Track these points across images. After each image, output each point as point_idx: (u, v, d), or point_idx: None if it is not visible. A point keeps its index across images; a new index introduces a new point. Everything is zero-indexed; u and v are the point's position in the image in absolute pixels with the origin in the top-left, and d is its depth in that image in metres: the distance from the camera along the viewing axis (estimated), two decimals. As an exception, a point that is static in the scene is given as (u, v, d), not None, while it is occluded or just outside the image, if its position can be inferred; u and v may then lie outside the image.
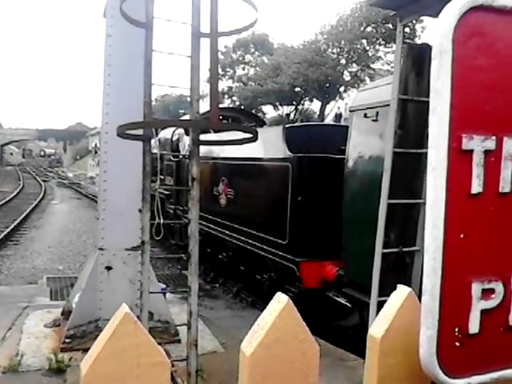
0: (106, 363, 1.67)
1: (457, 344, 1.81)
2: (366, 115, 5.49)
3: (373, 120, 5.35)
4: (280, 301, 1.91)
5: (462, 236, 1.78)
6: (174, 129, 11.53)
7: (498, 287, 1.86)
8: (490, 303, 1.85)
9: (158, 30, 3.46)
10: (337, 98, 32.08)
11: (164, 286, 6.67)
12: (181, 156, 11.03)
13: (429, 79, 3.38)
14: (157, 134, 11.41)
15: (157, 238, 7.65)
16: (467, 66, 1.74)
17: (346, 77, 30.67)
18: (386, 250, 3.32)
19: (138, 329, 1.73)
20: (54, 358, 4.59)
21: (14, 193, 26.80)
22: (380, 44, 28.50)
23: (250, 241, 7.66)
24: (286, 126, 7.43)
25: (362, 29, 27.66)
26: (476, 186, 1.78)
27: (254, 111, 33.44)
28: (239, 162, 8.19)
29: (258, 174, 7.68)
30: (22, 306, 6.35)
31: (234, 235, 8.27)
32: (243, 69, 38.11)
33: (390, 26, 25.55)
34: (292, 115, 34.00)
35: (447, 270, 1.75)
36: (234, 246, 8.57)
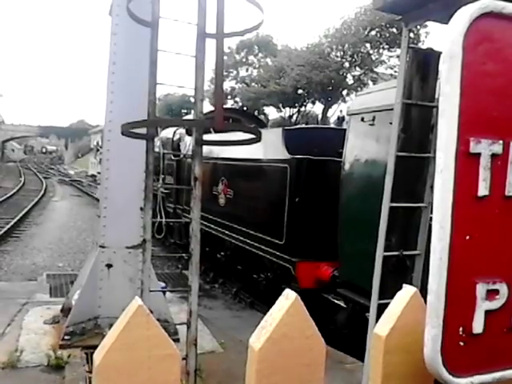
0: (118, 354, 1.70)
1: (461, 343, 1.82)
2: (363, 119, 5.62)
3: (369, 124, 5.47)
4: (288, 297, 1.93)
5: (467, 237, 1.80)
6: (175, 128, 11.59)
7: (503, 288, 1.88)
8: (495, 304, 1.87)
9: (164, 29, 3.48)
10: (339, 101, 32.13)
11: (164, 284, 6.68)
12: (182, 155, 11.11)
13: (433, 84, 3.40)
14: (158, 134, 11.46)
15: (158, 237, 7.67)
16: (476, 72, 1.76)
17: (349, 80, 30.72)
18: (387, 253, 3.32)
19: (150, 321, 1.76)
20: (53, 354, 4.60)
21: (15, 189, 26.83)
22: (384, 48, 28.55)
23: (249, 241, 7.75)
24: (286, 128, 7.61)
25: (365, 33, 27.72)
26: (483, 189, 1.80)
27: (256, 112, 33.53)
28: (239, 162, 8.29)
29: (257, 174, 7.79)
30: (22, 303, 6.36)
31: (233, 235, 8.37)
32: (246, 70, 38.20)
33: (394, 30, 25.62)
34: (294, 117, 34.04)
35: (453, 271, 1.77)
36: (232, 246, 8.66)
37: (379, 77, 28.24)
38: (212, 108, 10.09)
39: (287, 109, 34.27)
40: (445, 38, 1.76)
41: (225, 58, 34.17)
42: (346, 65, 29.94)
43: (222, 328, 6.09)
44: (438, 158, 1.77)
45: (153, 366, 1.76)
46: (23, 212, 17.47)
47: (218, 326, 6.15)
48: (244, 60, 38.02)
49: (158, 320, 1.81)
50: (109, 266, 5.22)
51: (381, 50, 28.85)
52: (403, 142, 3.33)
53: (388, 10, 3.51)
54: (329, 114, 32.54)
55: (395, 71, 26.70)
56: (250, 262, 8.09)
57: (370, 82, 29.06)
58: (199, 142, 3.33)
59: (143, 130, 3.55)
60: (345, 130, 6.31)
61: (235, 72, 37.74)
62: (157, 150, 9.49)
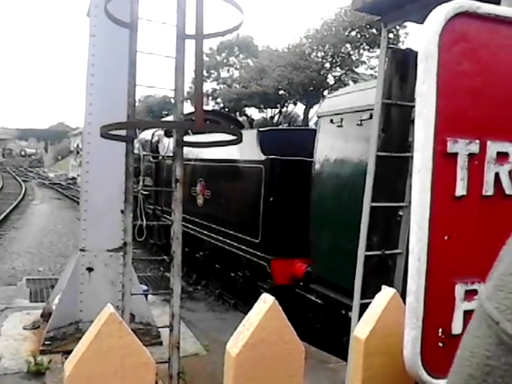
0: (90, 363, 1.66)
1: (440, 344, 1.83)
2: (331, 121, 5.89)
3: (338, 126, 5.74)
4: (266, 301, 1.90)
5: (446, 238, 1.81)
6: (154, 130, 11.62)
7: (481, 288, 1.89)
8: (473, 304, 1.87)
9: (143, 30, 3.45)
10: (321, 101, 32.22)
11: (146, 287, 6.63)
12: (160, 157, 11.14)
13: (412, 84, 3.42)
14: (137, 136, 11.40)
15: (139, 240, 7.61)
16: (452, 71, 1.77)
17: (330, 80, 30.84)
18: (368, 253, 3.34)
19: (122, 329, 1.72)
20: (33, 360, 4.53)
21: (-6, 193, 26.41)
22: (364, 49, 28.72)
23: (227, 240, 7.96)
24: (260, 129, 7.79)
25: (346, 33, 27.84)
26: (460, 189, 1.81)
27: (238, 113, 33.48)
28: (216, 163, 8.50)
29: (233, 175, 8.00)
30: (1, 308, 6.24)
31: (212, 235, 8.56)
32: (228, 71, 38.13)
33: (374, 31, 25.78)
34: (276, 118, 34.08)
35: (431, 272, 1.77)
36: (211, 246, 8.85)
37: (360, 77, 28.42)
38: (192, 109, 10.06)
39: (269, 110, 34.30)
40: (421, 38, 1.77)
41: (205, 58, 34.11)
42: (327, 65, 30.05)
43: (205, 330, 6.06)
44: (416, 158, 1.78)
45: (126, 375, 1.71)
46: (2, 216, 17.18)
47: (201, 328, 6.12)
48: (225, 61, 37.95)
49: (140, 323, 1.79)
50: (90, 269, 5.16)
51: (361, 51, 29.00)
52: (383, 142, 3.36)
53: (367, 11, 3.54)
54: (310, 115, 32.67)
55: (375, 71, 26.92)
56: (228, 260, 8.27)
57: (351, 82, 29.20)
58: (180, 144, 3.31)
59: (123, 132, 3.52)
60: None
61: (216, 73, 37.65)
62: (136, 151, 9.45)
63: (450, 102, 1.78)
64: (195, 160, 9.15)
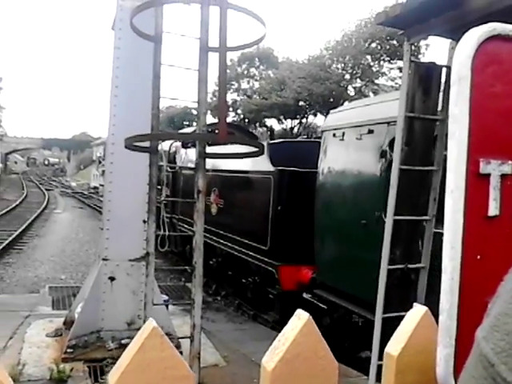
0: (133, 376, 1.69)
1: None
2: (334, 135, 6.20)
3: (340, 139, 6.06)
4: (301, 318, 1.92)
5: (478, 257, 1.80)
6: (171, 141, 11.76)
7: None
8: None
9: (167, 43, 3.51)
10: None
11: (166, 297, 6.65)
12: (177, 167, 11.40)
13: (435, 97, 3.41)
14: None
15: (162, 250, 7.67)
16: (485, 93, 1.78)
17: (350, 92, 30.76)
18: (391, 267, 3.31)
19: (164, 343, 1.75)
20: (55, 368, 4.58)
21: (18, 201, 26.85)
22: (384, 60, 28.63)
23: (238, 247, 8.33)
24: (270, 142, 8.35)
25: (366, 45, 27.81)
26: (493, 209, 1.81)
27: (258, 124, 33.57)
28: (229, 173, 8.88)
29: (245, 185, 8.43)
30: (24, 315, 6.34)
31: (224, 242, 8.95)
32: (248, 82, 38.29)
33: (395, 42, 25.70)
34: (296, 129, 34.09)
35: (464, 290, 1.76)
36: (223, 253, 9.24)
37: (380, 88, 28.30)
38: (213, 121, 10.18)
39: (289, 120, 34.32)
40: (454, 60, 1.77)
41: (227, 70, 34.17)
42: (347, 77, 30.01)
43: (224, 341, 6.05)
44: (448, 178, 1.79)
45: (167, 387, 1.74)
46: (26, 224, 17.47)
47: (220, 338, 6.11)
48: (245, 72, 38.14)
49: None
50: (112, 278, 5.21)
51: (381, 62, 28.90)
52: (406, 155, 3.34)
53: (390, 25, 3.54)
54: (330, 126, 32.52)
55: (396, 83, 26.80)
56: (238, 267, 8.62)
57: (371, 94, 29.11)
58: (202, 155, 3.35)
59: (146, 143, 3.57)
60: None
61: (237, 84, 37.86)
62: (161, 163, 9.63)
63: (482, 124, 1.78)
64: (209, 170, 9.32)
